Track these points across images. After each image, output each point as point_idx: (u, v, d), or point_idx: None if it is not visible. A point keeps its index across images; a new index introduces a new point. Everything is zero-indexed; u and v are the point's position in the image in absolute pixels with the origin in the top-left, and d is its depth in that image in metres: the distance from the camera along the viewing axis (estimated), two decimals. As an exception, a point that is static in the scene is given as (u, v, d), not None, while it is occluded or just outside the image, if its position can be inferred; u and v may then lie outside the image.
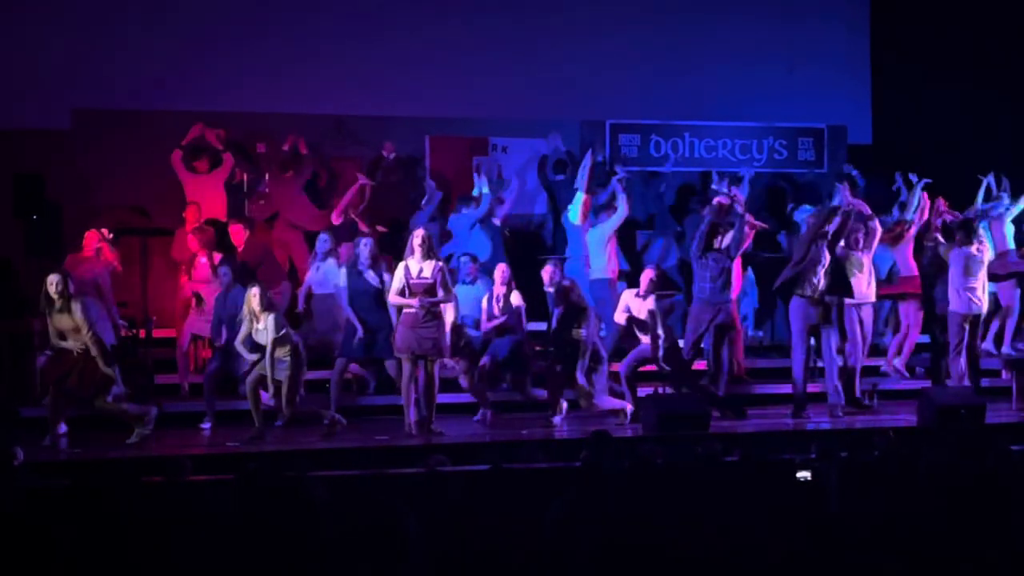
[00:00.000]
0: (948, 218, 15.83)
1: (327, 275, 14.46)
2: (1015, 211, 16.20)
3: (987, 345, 15.95)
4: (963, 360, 14.82)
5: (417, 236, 13.06)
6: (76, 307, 12.36)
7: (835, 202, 15.28)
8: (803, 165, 18.83)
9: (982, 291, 14.93)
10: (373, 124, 17.58)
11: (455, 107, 18.03)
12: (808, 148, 18.94)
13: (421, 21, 18.05)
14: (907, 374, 15.95)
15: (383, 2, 18.07)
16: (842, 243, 14.32)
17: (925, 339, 16.04)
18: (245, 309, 12.88)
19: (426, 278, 12.88)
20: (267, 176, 16.84)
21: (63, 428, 12.85)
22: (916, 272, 15.75)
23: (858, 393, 14.63)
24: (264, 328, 12.74)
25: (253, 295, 12.82)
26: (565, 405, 13.96)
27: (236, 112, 17.05)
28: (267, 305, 12.80)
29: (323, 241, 14.70)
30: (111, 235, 14.70)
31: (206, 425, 13.75)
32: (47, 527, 6.80)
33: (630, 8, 18.93)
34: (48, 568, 6.42)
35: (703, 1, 19.30)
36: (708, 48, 19.08)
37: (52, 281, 12.30)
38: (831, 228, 14.16)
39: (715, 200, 15.06)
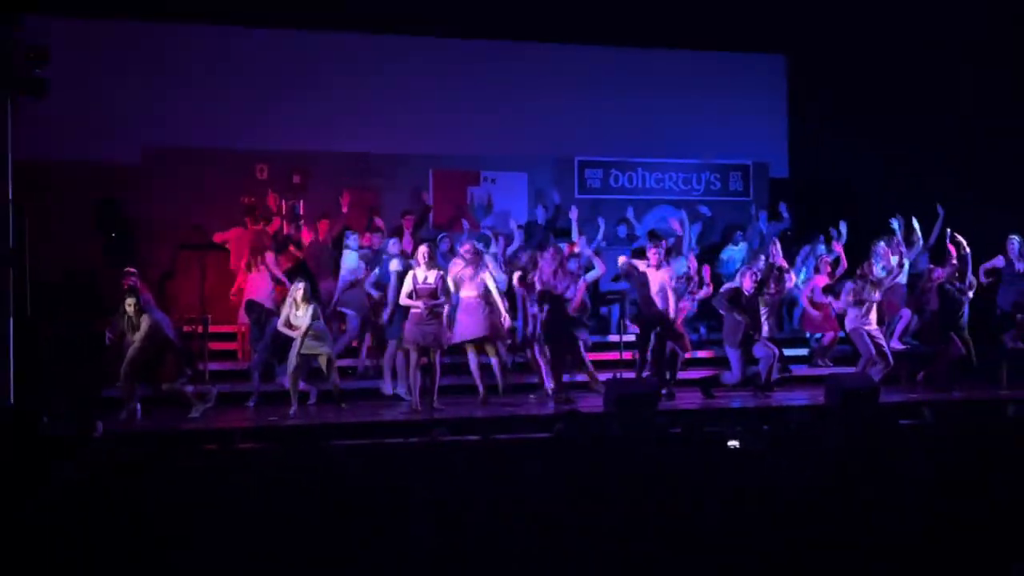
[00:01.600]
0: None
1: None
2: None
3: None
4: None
5: (422, 251, 13.13)
6: (144, 319, 12.63)
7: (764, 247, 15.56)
8: (733, 194, 18.89)
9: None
10: (389, 160, 17.66)
11: (453, 145, 18.09)
12: (738, 181, 19.04)
13: (426, 75, 18.13)
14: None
15: (394, 62, 18.09)
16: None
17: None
18: (289, 299, 13.10)
19: (430, 284, 12.95)
20: (302, 203, 16.86)
21: (138, 406, 12.86)
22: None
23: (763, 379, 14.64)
24: (302, 315, 13.02)
25: (298, 289, 13.16)
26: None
27: (279, 150, 17.10)
28: (307, 298, 13.12)
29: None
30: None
31: (251, 403, 13.78)
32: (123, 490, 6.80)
33: (596, 67, 19.04)
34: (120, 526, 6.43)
35: (654, 64, 19.36)
36: (658, 99, 19.16)
37: (129, 303, 12.72)
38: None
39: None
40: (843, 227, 16.40)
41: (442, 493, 6.92)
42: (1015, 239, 15.53)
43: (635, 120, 19.02)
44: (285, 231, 16.25)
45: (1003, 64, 17.29)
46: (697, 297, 14.96)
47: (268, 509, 6.59)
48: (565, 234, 16.06)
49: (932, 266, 15.60)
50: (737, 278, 14.51)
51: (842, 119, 18.71)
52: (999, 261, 15.60)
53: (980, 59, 17.42)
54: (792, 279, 15.15)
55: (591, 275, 14.65)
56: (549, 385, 14.11)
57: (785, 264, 15.17)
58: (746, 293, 14.25)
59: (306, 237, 16.08)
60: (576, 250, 15.08)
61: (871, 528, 6.81)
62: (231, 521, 6.46)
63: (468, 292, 13.61)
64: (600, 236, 16.09)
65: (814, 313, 15.99)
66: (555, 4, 17.71)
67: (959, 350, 14.81)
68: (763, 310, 14.53)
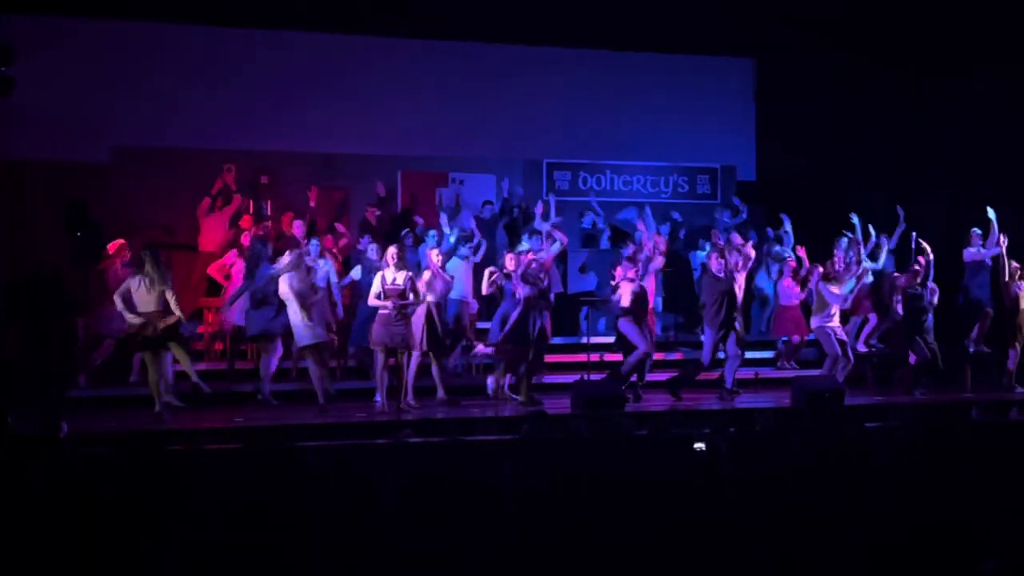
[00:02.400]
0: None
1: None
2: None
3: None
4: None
5: (391, 252, 13.10)
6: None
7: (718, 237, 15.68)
8: (701, 197, 18.94)
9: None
10: (356, 160, 17.63)
11: (422, 147, 18.09)
12: (705, 183, 19.11)
13: (396, 76, 18.09)
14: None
15: (363, 63, 18.06)
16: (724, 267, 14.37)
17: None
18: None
19: (399, 285, 12.91)
20: (269, 203, 16.81)
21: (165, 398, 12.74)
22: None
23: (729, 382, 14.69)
24: None
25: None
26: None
27: (246, 150, 17.03)
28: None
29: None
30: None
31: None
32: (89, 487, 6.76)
33: (565, 69, 19.02)
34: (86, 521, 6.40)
35: (624, 66, 19.39)
36: (627, 103, 19.21)
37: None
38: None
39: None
40: (787, 223, 16.54)
41: (410, 492, 6.91)
42: (976, 231, 15.67)
43: (604, 122, 19.06)
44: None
45: (967, 69, 17.41)
46: (652, 268, 14.92)
47: (233, 510, 6.57)
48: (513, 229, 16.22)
49: (896, 273, 15.66)
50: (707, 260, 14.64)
51: (809, 123, 18.77)
52: (967, 254, 15.69)
53: (945, 64, 17.54)
54: (752, 252, 15.08)
55: (555, 248, 14.70)
56: (509, 382, 14.13)
57: (742, 240, 15.21)
58: (714, 272, 14.25)
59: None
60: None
61: (837, 528, 6.84)
62: (196, 522, 6.43)
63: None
64: (553, 212, 16.03)
65: (785, 316, 15.98)
66: (525, 7, 17.70)
67: (924, 355, 14.86)
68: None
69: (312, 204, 16.35)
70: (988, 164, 17.18)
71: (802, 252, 15.93)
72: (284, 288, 13.12)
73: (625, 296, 14.17)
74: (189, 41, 17.27)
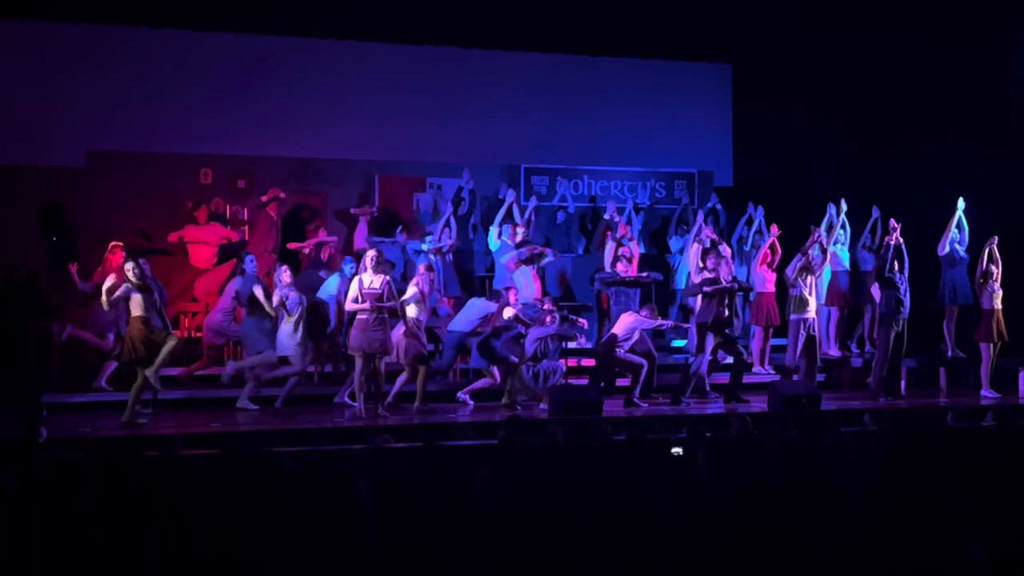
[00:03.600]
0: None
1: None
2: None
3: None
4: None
5: (370, 256, 13.06)
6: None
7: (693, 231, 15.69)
8: (678, 202, 18.95)
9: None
10: (333, 165, 17.62)
11: (400, 151, 18.06)
12: (682, 188, 19.14)
13: (373, 81, 18.05)
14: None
15: (340, 67, 18.02)
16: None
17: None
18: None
19: (376, 289, 12.88)
20: (246, 208, 16.81)
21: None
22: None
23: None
24: None
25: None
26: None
27: (223, 154, 17.01)
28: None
29: None
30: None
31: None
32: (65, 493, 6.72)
33: (543, 75, 19.04)
34: (65, 527, 6.37)
35: (601, 72, 19.41)
36: (604, 108, 19.22)
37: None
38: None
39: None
40: (759, 212, 16.80)
41: (387, 498, 6.90)
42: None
43: (581, 127, 19.09)
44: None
45: (946, 70, 17.52)
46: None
47: (210, 516, 6.55)
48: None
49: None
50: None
51: (787, 128, 18.83)
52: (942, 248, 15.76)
53: (923, 66, 17.64)
54: (727, 250, 15.17)
55: (544, 261, 14.98)
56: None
57: (716, 237, 15.30)
58: (708, 292, 14.31)
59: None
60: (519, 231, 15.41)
61: (813, 532, 6.85)
62: (172, 528, 6.42)
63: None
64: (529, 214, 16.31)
65: (760, 303, 15.91)
66: (502, 12, 17.70)
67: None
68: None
69: (273, 215, 16.27)
70: (964, 165, 17.30)
71: (775, 232, 15.86)
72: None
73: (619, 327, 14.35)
74: (165, 45, 17.18)
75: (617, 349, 14.20)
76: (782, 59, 18.95)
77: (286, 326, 13.32)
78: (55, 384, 13.98)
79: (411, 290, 13.49)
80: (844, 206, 16.02)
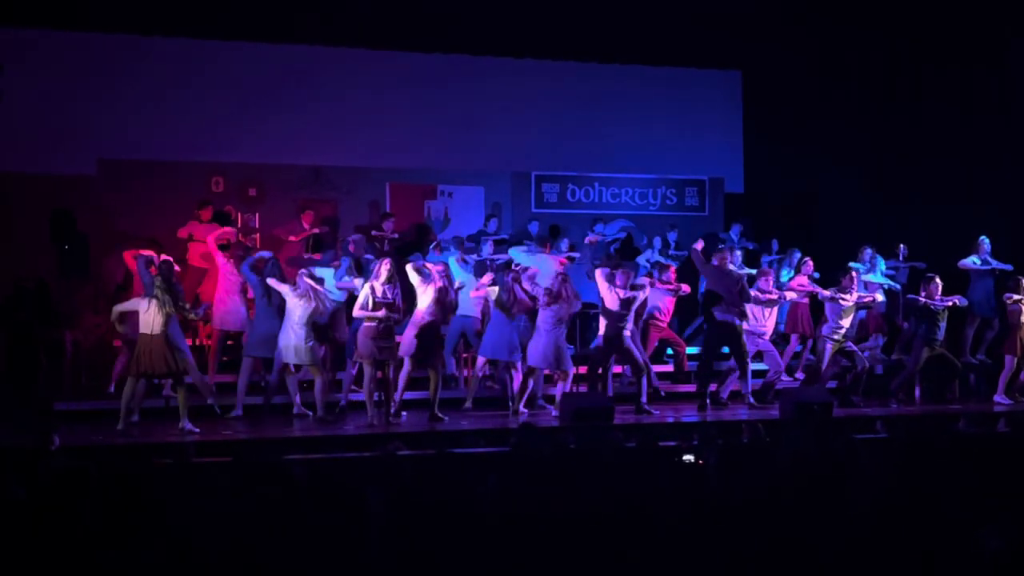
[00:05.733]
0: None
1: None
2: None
3: None
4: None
5: (386, 264, 13.06)
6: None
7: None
8: (689, 209, 18.95)
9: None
10: (344, 173, 17.63)
11: (411, 159, 18.07)
12: (693, 196, 19.11)
13: (383, 89, 18.09)
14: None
15: (352, 75, 18.07)
16: None
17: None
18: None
19: (388, 298, 12.90)
20: (257, 215, 16.83)
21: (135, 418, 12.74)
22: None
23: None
24: None
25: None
26: None
27: (233, 162, 17.04)
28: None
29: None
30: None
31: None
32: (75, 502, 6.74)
33: (554, 82, 19.07)
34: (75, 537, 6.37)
35: (612, 79, 19.42)
36: (615, 115, 19.22)
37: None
38: None
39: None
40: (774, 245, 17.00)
41: (398, 506, 6.90)
42: (985, 240, 15.89)
43: (592, 135, 19.08)
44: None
45: (953, 76, 17.53)
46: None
47: (223, 523, 6.55)
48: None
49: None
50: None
51: (797, 134, 18.85)
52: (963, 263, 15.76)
53: (933, 73, 17.65)
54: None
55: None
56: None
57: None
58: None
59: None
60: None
61: (825, 541, 6.84)
62: (184, 536, 6.42)
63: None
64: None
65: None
66: (512, 20, 17.74)
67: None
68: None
69: (306, 226, 16.27)
70: (977, 171, 17.30)
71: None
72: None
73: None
74: (176, 54, 17.24)
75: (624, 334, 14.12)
76: (792, 66, 18.98)
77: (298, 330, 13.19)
78: (66, 392, 14.00)
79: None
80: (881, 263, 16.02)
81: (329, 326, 14.04)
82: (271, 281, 13.27)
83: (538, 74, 19.03)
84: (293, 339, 13.08)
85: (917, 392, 15.27)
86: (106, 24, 16.60)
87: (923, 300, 14.90)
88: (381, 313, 12.83)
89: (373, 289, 12.92)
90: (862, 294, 14.90)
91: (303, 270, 13.41)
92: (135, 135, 16.66)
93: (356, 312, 13.10)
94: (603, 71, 19.42)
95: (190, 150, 16.87)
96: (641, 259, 16.89)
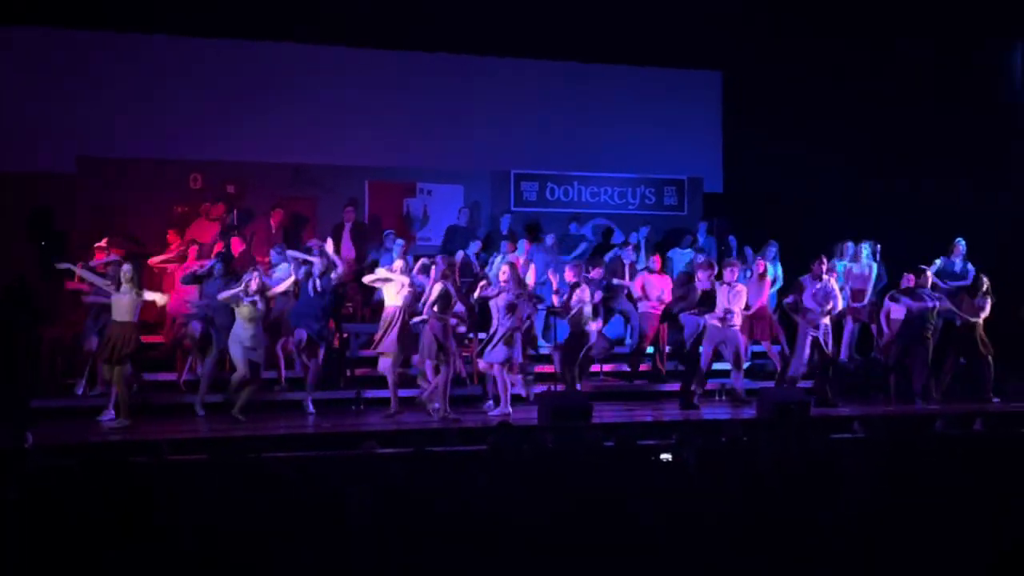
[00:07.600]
0: None
1: None
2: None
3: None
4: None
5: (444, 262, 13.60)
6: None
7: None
8: (668, 209, 18.96)
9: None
10: (323, 171, 17.59)
11: (390, 157, 18.06)
12: (672, 195, 19.11)
13: (363, 87, 18.11)
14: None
15: (331, 73, 18.07)
16: None
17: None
18: None
19: (433, 296, 13.31)
20: (235, 212, 16.79)
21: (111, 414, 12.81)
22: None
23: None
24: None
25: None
26: None
27: (212, 160, 17.00)
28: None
29: None
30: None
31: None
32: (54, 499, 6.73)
33: (533, 81, 19.16)
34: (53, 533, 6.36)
35: (592, 78, 19.50)
36: (594, 114, 19.29)
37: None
38: None
39: None
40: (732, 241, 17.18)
41: (378, 503, 6.90)
42: (960, 241, 16.10)
43: (572, 134, 19.12)
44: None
45: (931, 77, 17.61)
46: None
47: (200, 522, 6.54)
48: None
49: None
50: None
51: (776, 135, 18.89)
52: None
53: (912, 73, 17.72)
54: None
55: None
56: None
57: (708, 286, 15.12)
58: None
59: (236, 247, 15.84)
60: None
61: (803, 540, 6.86)
62: (163, 535, 6.41)
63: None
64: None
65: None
66: (493, 19, 17.73)
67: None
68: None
69: (274, 223, 16.25)
70: (955, 172, 17.38)
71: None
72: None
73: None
74: (156, 52, 17.22)
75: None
76: (772, 66, 19.02)
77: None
78: (43, 389, 13.94)
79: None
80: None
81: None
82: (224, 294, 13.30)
83: (519, 73, 19.06)
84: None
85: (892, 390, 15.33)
86: (85, 21, 16.57)
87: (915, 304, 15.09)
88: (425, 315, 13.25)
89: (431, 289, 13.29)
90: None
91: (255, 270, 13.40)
92: (114, 133, 16.66)
93: (425, 312, 13.30)
94: (584, 71, 19.47)
95: (169, 147, 16.85)
96: (611, 254, 16.81)
